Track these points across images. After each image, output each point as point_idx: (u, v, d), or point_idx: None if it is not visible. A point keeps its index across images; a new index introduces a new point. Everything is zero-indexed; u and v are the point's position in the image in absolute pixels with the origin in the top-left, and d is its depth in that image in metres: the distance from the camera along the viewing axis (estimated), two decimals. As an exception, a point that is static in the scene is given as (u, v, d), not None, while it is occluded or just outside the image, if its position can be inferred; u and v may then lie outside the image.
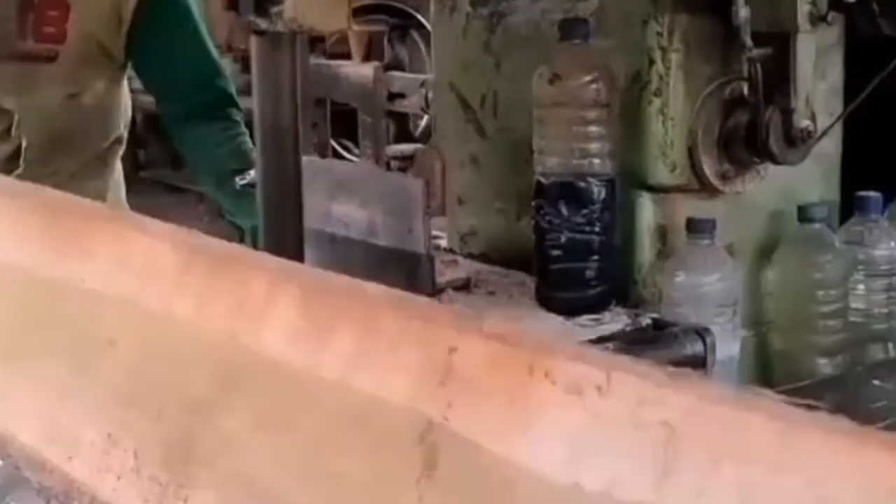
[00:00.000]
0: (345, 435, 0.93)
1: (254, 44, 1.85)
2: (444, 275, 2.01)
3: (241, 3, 1.74)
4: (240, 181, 2.31)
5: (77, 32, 2.44)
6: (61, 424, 1.20)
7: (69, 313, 1.27)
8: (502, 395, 0.82)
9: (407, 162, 2.41)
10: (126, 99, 2.65)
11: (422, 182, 1.87)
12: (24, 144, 2.45)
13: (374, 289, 0.96)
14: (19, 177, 2.37)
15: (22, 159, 2.45)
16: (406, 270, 1.89)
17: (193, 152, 2.68)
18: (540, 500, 0.78)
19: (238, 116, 2.62)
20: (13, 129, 2.45)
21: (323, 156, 2.12)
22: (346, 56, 4.26)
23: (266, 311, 1.03)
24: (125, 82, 2.64)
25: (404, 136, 2.17)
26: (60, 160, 2.50)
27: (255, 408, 1.02)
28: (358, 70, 2.07)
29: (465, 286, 2.00)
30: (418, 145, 2.28)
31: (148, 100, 8.23)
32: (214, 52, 2.65)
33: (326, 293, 1.00)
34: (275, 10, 1.72)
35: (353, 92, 2.05)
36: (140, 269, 1.17)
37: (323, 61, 2.17)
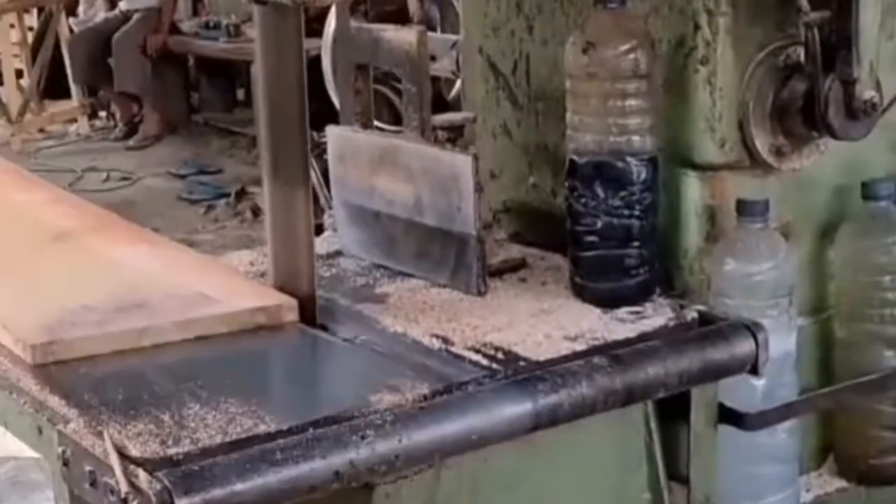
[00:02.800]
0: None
1: (257, 14, 1.70)
2: (497, 255, 1.87)
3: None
4: None
5: None
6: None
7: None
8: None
9: (455, 133, 2.25)
10: None
11: (471, 156, 1.72)
12: None
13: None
14: None
15: None
16: (455, 252, 1.75)
17: None
18: None
19: None
20: None
21: (365, 126, 1.97)
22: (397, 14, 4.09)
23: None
24: None
25: (436, 101, 2.03)
26: None
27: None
28: (400, 35, 1.91)
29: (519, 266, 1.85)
30: (467, 114, 2.12)
31: (201, 44, 8.04)
32: None
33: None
34: (276, -22, 1.56)
35: (396, 58, 1.91)
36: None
37: (364, 25, 2.00)
